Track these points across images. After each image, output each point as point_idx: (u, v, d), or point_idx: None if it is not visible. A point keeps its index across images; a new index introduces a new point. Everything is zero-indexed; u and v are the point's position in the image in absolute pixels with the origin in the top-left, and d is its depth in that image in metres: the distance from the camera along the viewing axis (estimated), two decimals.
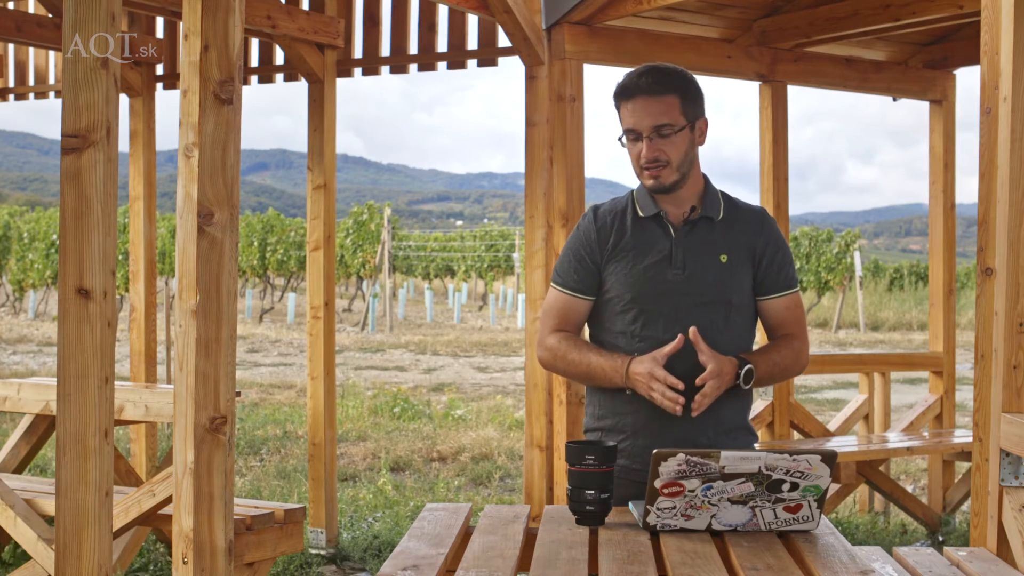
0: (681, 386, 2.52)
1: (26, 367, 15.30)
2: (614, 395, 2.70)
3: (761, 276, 2.72)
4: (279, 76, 6.63)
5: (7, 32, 5.64)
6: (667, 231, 2.69)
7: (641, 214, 2.72)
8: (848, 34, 5.83)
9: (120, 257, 19.78)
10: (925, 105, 6.66)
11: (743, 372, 2.59)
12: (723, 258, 2.67)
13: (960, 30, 6.29)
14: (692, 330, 2.55)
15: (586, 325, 2.81)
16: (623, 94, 2.66)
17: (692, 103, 2.67)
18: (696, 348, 2.55)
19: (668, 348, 2.55)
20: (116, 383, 2.59)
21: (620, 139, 2.70)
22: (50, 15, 6.21)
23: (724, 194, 2.78)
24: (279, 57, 6.58)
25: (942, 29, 6.27)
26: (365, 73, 6.41)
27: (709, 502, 2.26)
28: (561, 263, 2.78)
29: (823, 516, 2.35)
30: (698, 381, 2.53)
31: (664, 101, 2.63)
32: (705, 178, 2.76)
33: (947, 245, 6.55)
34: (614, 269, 2.70)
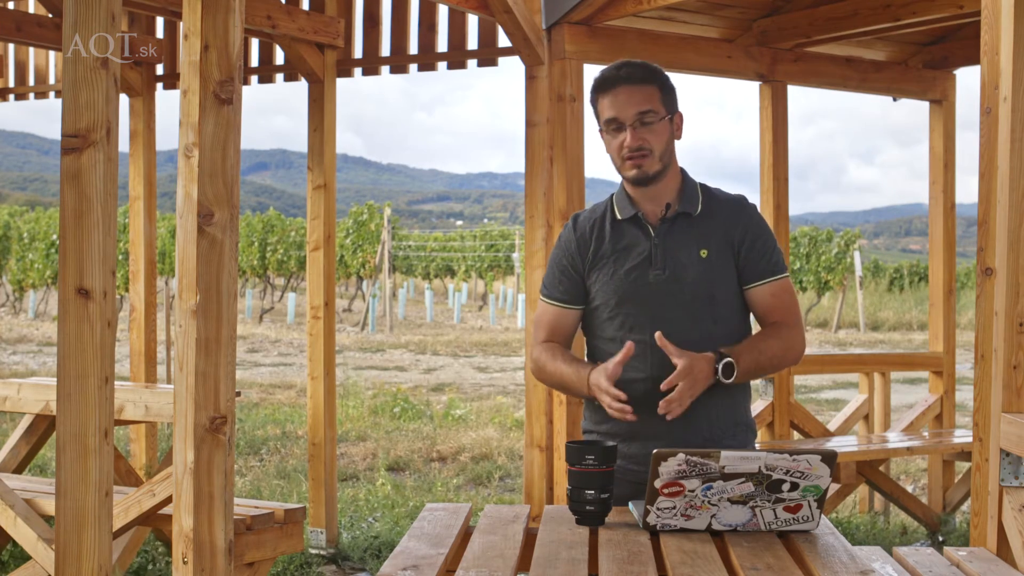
0: (623, 396, 2.50)
1: (26, 367, 15.30)
2: None
3: (743, 264, 2.68)
4: (279, 76, 6.63)
5: (7, 32, 5.64)
6: (646, 232, 2.69)
7: (619, 217, 2.72)
8: (848, 34, 5.83)
9: (120, 257, 19.78)
10: (927, 104, 6.66)
11: (721, 366, 2.54)
12: (703, 253, 2.66)
13: (960, 30, 6.29)
14: (658, 335, 2.51)
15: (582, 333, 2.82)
16: (603, 85, 2.67)
17: (669, 96, 2.68)
18: (666, 352, 2.51)
19: (619, 357, 2.52)
20: (116, 383, 2.59)
21: (601, 130, 2.69)
22: (50, 15, 6.21)
23: (703, 187, 2.76)
24: (279, 57, 6.58)
25: (942, 29, 6.27)
26: (365, 73, 6.41)
27: (709, 502, 2.26)
28: (547, 275, 2.79)
29: (823, 516, 2.35)
30: (664, 386, 2.48)
31: (645, 91, 2.64)
32: (683, 173, 2.75)
33: (947, 245, 6.55)
34: (597, 277, 2.70)
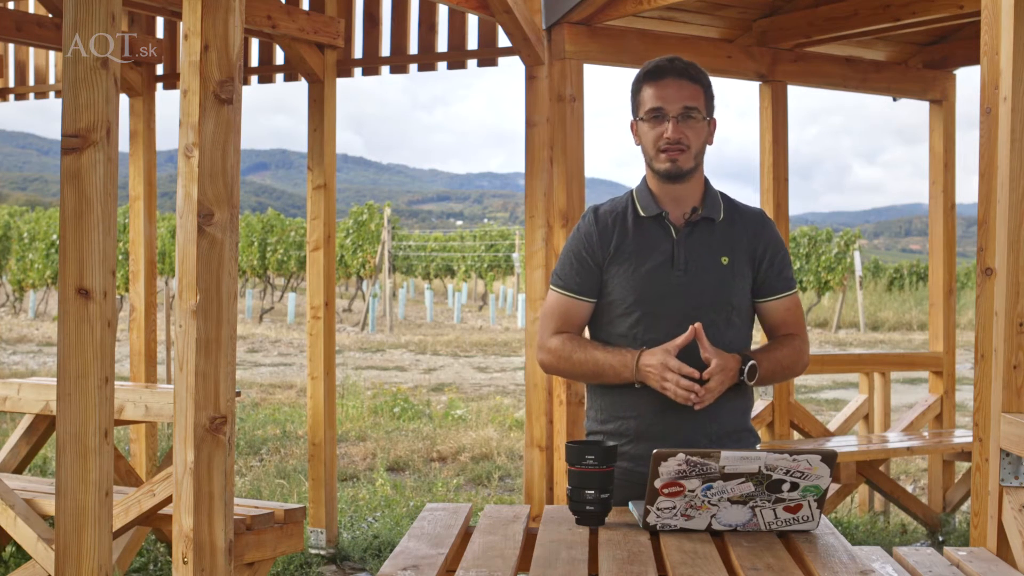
0: (696, 375, 2.52)
1: (26, 367, 15.29)
2: (617, 399, 2.70)
3: (761, 278, 2.73)
4: (279, 76, 6.63)
5: (7, 32, 5.64)
6: (668, 232, 2.69)
7: (643, 214, 2.71)
8: (848, 34, 5.83)
9: (120, 257, 19.77)
10: (927, 104, 6.66)
11: (746, 368, 2.59)
12: (724, 260, 2.68)
13: (960, 30, 6.29)
14: (696, 326, 2.54)
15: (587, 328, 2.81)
16: (653, 74, 2.67)
17: (710, 100, 2.71)
18: (699, 344, 2.54)
19: (680, 340, 2.54)
20: (116, 383, 2.59)
21: (639, 119, 2.68)
22: (50, 15, 6.20)
23: (724, 195, 2.79)
24: (279, 57, 6.58)
25: (942, 29, 6.27)
26: (365, 73, 6.40)
27: (709, 502, 2.26)
28: (561, 265, 2.77)
29: (823, 516, 2.35)
30: (704, 375, 2.52)
31: (692, 88, 2.66)
32: (706, 179, 2.77)
33: (947, 245, 6.55)
34: (616, 272, 2.69)
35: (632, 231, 2.70)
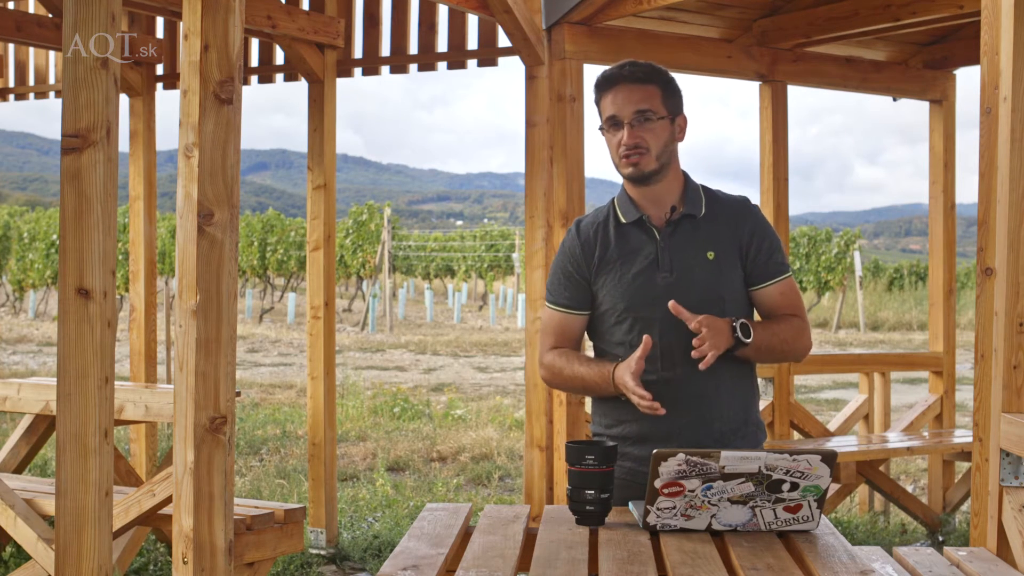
0: (647, 395, 2.50)
1: (26, 367, 15.29)
2: (619, 404, 2.70)
3: (751, 266, 2.70)
4: (279, 76, 6.63)
5: (7, 32, 5.64)
6: (651, 235, 2.69)
7: (623, 220, 2.71)
8: (848, 34, 5.83)
9: (120, 257, 19.77)
10: (927, 104, 6.66)
11: (738, 326, 2.56)
12: (710, 255, 2.66)
13: (960, 30, 6.29)
14: (671, 303, 2.54)
15: (587, 337, 2.81)
16: (605, 83, 2.68)
17: (672, 98, 2.69)
18: (681, 317, 2.53)
19: (638, 352, 2.54)
20: (116, 383, 2.59)
21: (600, 129, 2.70)
22: (50, 15, 6.20)
23: (705, 188, 2.77)
24: (279, 57, 6.58)
25: (942, 29, 6.27)
26: (365, 73, 6.40)
27: (709, 502, 2.27)
28: (551, 281, 2.79)
29: (823, 516, 2.35)
30: (692, 326, 2.50)
31: (646, 90, 2.65)
32: (685, 175, 2.76)
33: (947, 245, 6.55)
34: (604, 281, 2.70)
35: (614, 239, 2.70)
